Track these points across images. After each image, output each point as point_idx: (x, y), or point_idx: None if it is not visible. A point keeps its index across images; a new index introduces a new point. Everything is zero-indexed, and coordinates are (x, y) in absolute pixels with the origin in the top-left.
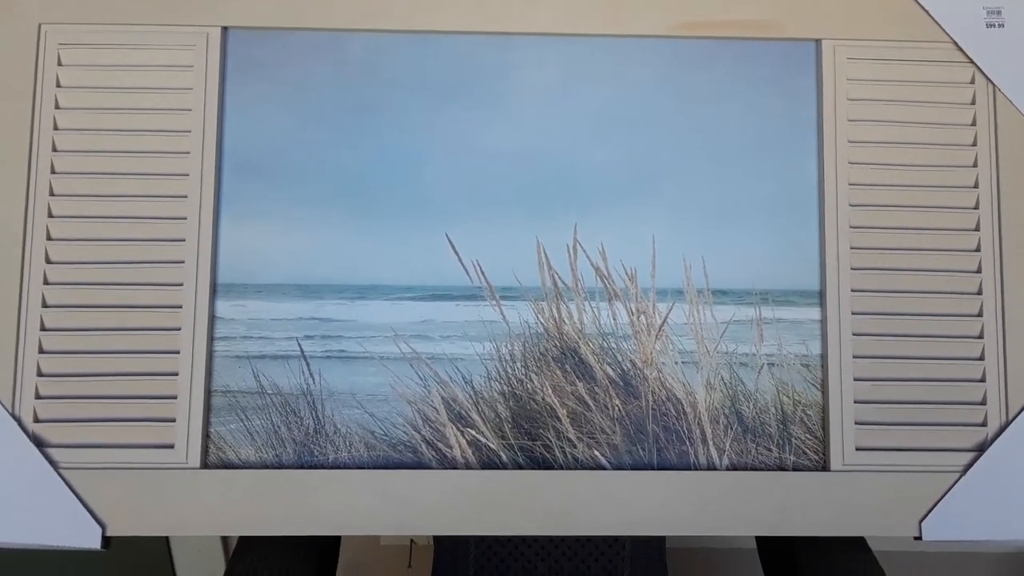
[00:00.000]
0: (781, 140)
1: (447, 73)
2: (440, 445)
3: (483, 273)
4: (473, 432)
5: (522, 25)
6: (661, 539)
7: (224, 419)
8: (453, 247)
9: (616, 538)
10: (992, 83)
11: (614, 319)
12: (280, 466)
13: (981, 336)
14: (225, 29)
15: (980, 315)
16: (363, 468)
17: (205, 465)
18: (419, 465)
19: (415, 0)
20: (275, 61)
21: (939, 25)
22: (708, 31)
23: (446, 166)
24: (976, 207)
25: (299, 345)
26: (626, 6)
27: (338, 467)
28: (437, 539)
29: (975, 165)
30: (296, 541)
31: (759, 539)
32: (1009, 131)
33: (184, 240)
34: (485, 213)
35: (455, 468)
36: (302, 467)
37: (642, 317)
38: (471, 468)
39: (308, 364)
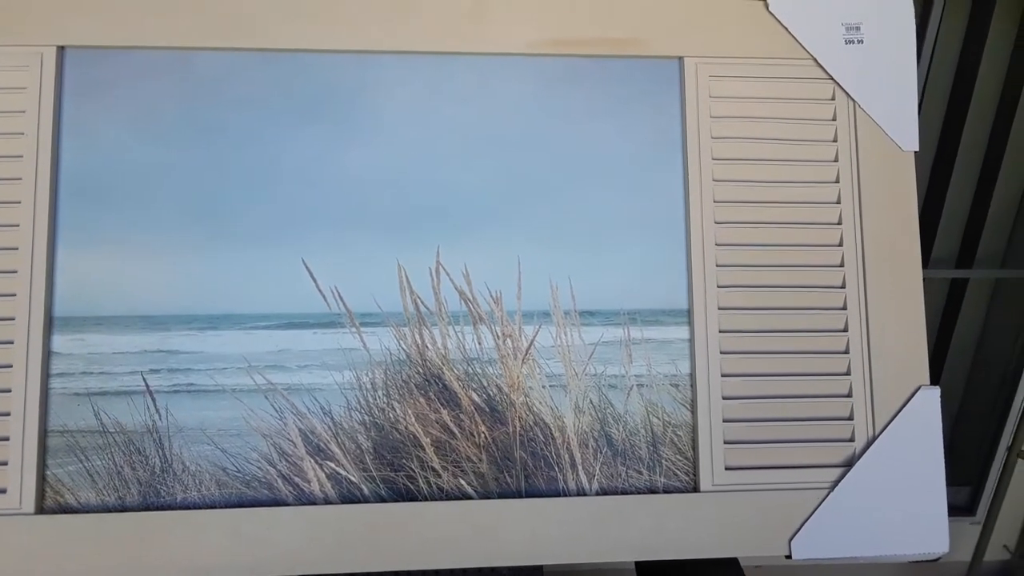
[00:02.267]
0: (648, 158)
1: (303, 92)
2: (297, 480)
3: (342, 299)
4: (332, 465)
5: (382, 43)
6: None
7: (62, 460)
8: (310, 272)
9: (492, 567)
10: (852, 99)
11: (479, 343)
12: (123, 509)
13: (847, 351)
14: (61, 48)
15: (845, 330)
16: (214, 507)
17: (41, 510)
18: (275, 502)
19: (268, 17)
20: (117, 81)
21: (799, 43)
22: (573, 49)
23: (302, 188)
24: (839, 223)
25: (144, 379)
26: (490, 24)
27: (187, 507)
28: None
29: (837, 181)
30: None
31: (638, 561)
32: (869, 146)
33: (16, 271)
34: (344, 236)
35: (313, 503)
36: (148, 509)
37: (508, 341)
38: (331, 503)
39: (154, 399)
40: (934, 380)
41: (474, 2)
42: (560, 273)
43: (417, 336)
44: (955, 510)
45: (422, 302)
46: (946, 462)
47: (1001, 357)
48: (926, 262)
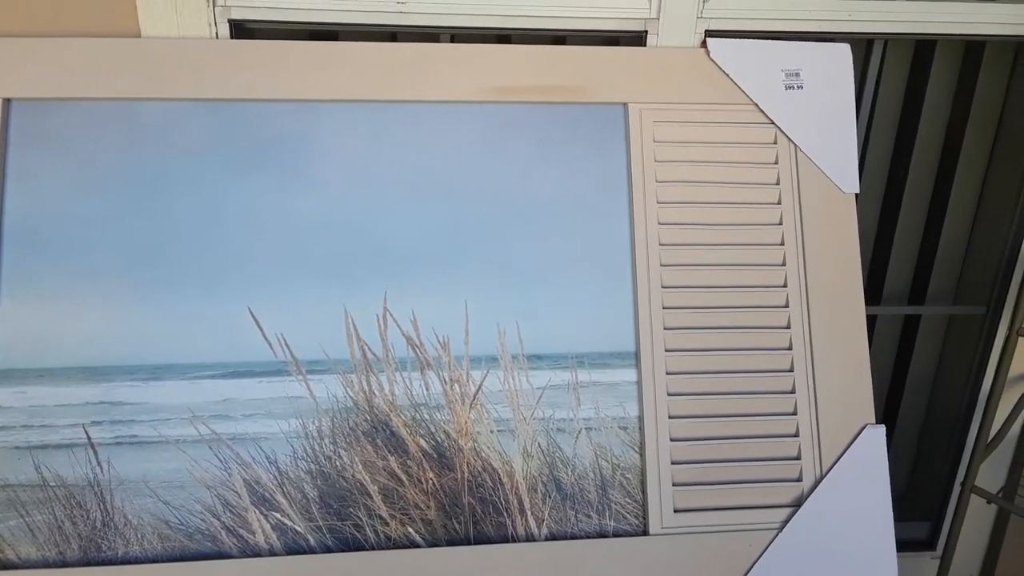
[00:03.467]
0: (594, 202)
1: (247, 140)
2: (242, 531)
3: (288, 347)
4: (278, 515)
5: (325, 92)
6: None
7: (2, 515)
8: (256, 320)
9: None
10: (793, 142)
11: (427, 389)
12: (64, 564)
13: (793, 391)
14: (7, 101)
15: (791, 370)
16: (157, 562)
17: None
18: (218, 555)
19: (211, 67)
20: (62, 132)
21: (740, 88)
22: (517, 96)
23: (247, 235)
24: (783, 264)
25: (86, 432)
26: (433, 72)
27: (129, 562)
28: None
29: (780, 223)
30: None
31: None
32: (811, 189)
33: None
34: (290, 284)
35: (258, 555)
36: (88, 564)
37: (456, 386)
38: (276, 554)
39: (96, 452)
40: (891, 417)
41: (416, 51)
42: (507, 318)
43: (364, 383)
44: (916, 545)
45: (369, 349)
46: (906, 498)
47: (956, 393)
48: (878, 299)
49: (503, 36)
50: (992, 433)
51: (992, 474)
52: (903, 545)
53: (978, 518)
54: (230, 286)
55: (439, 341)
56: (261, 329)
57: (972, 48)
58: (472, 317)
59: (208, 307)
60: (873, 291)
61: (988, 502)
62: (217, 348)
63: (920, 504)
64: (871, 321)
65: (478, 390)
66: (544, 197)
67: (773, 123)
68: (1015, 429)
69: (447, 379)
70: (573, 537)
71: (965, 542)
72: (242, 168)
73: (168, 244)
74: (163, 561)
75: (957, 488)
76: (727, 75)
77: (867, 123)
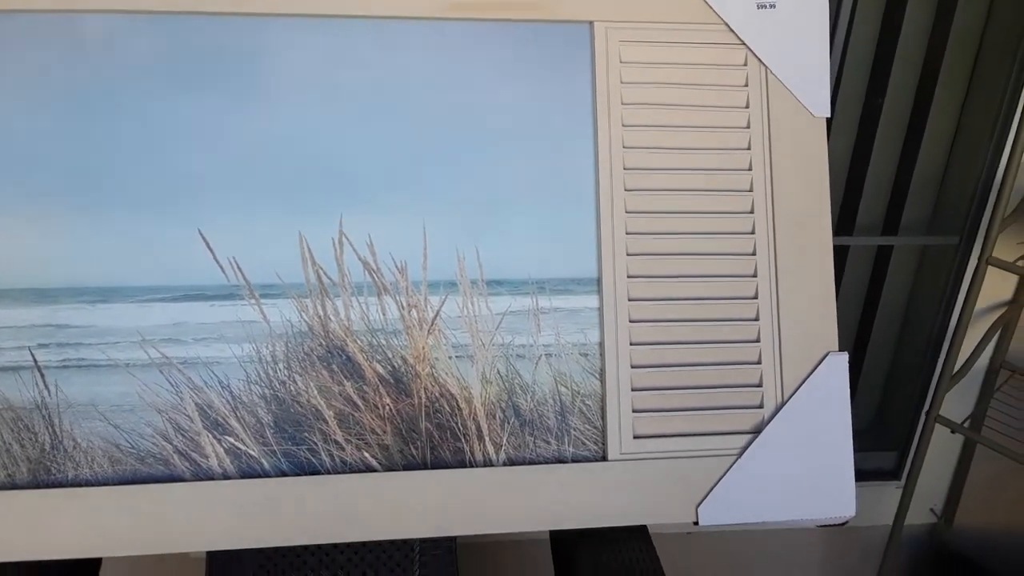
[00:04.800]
0: (557, 125)
1: (196, 56)
2: (195, 455)
3: (240, 270)
4: (231, 439)
5: (277, 6)
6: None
7: None
8: (207, 243)
9: (404, 540)
10: (764, 64)
11: (384, 315)
12: (14, 487)
13: (757, 318)
14: None
15: (755, 297)
16: (108, 484)
17: None
18: (171, 478)
19: None
20: (0, 46)
21: (711, 7)
22: (476, 12)
23: (198, 156)
24: (750, 190)
25: (32, 355)
26: None
27: (79, 485)
28: (210, 553)
29: (749, 148)
30: (45, 566)
31: (551, 532)
32: (781, 113)
33: None
34: (242, 206)
35: (211, 479)
36: (38, 487)
37: (413, 311)
38: (229, 478)
39: (43, 375)
40: (860, 350)
41: None
42: (467, 242)
43: (319, 308)
44: (882, 475)
45: (324, 273)
46: (874, 429)
47: (926, 325)
48: (851, 229)
49: None
50: (959, 364)
51: (962, 406)
52: (870, 475)
53: (944, 448)
54: (179, 208)
55: (396, 266)
56: (212, 252)
57: None
58: (430, 242)
59: (157, 229)
60: (845, 221)
61: (952, 431)
62: (167, 271)
63: (888, 435)
64: (843, 252)
65: (436, 316)
66: (505, 119)
67: (744, 44)
68: (983, 361)
69: (404, 304)
70: (531, 463)
71: (930, 472)
72: (190, 86)
73: (114, 164)
74: (114, 484)
75: (923, 419)
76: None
77: (842, 48)
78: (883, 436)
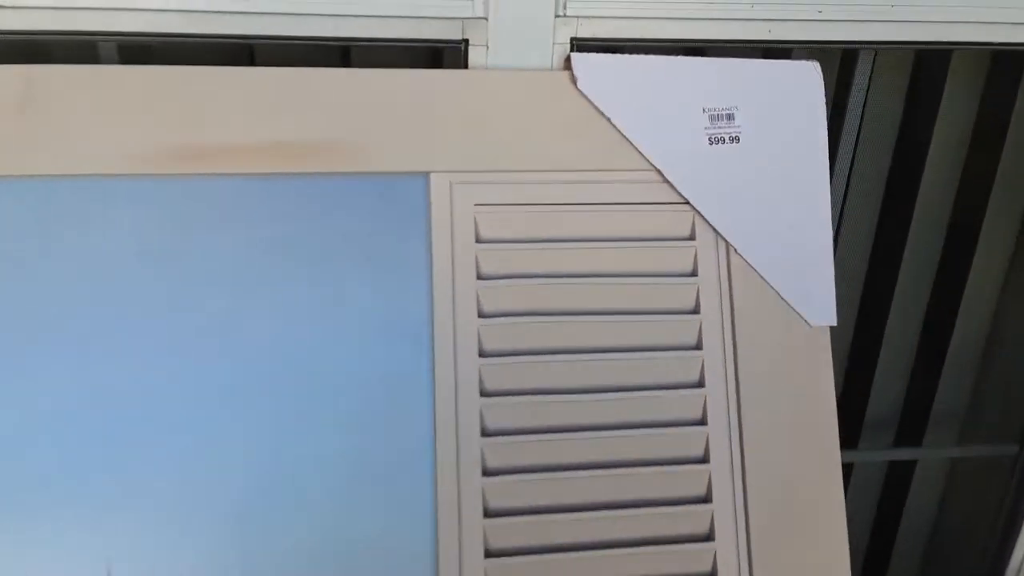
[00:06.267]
0: (374, 348)
1: None
2: None
3: None
4: None
5: None
6: None
7: None
8: None
9: None
10: (722, 237)
11: None
12: None
13: None
14: None
15: None
16: None
17: None
18: None
19: None
20: None
21: (629, 141)
22: (224, 164)
23: None
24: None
25: None
26: (56, 120)
27: None
28: None
29: (700, 384)
30: None
31: None
32: (753, 317)
33: None
34: None
35: None
36: None
37: None
38: None
39: None
40: None
41: (22, 78)
42: None
43: None
44: None
45: None
46: None
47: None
48: (855, 441)
49: (214, 47)
50: None
51: None
52: None
53: None
54: None
55: None
56: None
57: (997, 60)
58: None
59: None
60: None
61: None
62: None
63: None
64: (848, 470)
65: None
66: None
67: (688, 204)
68: None
69: None
70: None
71: None
72: None
73: None
74: None
75: None
76: (606, 118)
77: (846, 178)
78: None
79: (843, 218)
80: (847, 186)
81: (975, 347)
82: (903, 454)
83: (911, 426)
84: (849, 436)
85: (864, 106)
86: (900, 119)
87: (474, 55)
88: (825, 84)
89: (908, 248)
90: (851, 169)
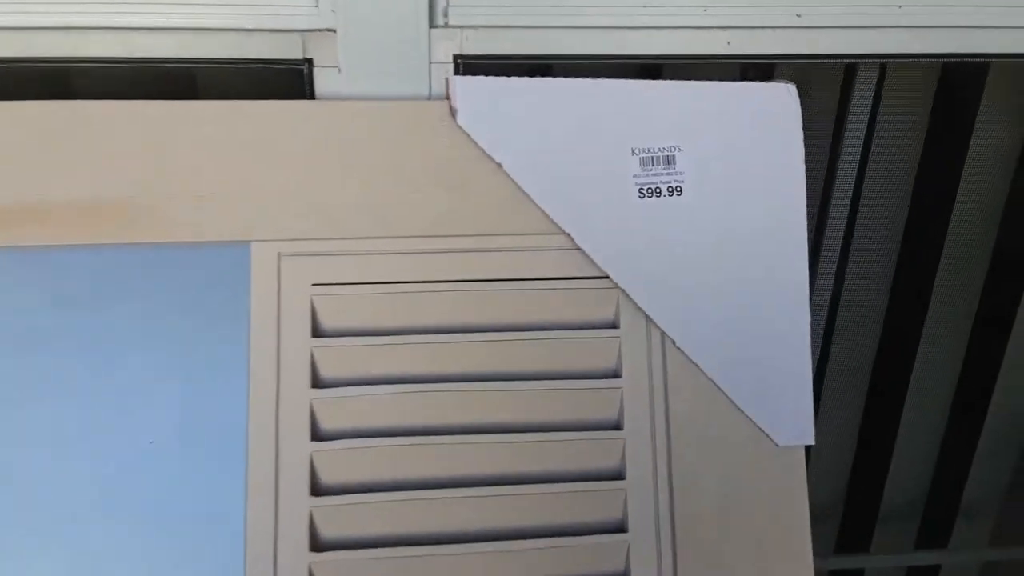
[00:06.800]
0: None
1: None
2: None
3: None
4: None
5: None
6: None
7: None
8: None
9: None
10: (657, 326)
11: None
12: None
13: None
14: None
15: None
16: None
17: None
18: None
19: None
20: None
21: (529, 197)
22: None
23: None
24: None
25: None
26: None
27: None
28: None
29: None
30: None
31: None
32: (696, 435)
33: None
34: None
35: None
36: None
37: None
38: None
39: None
40: None
41: None
42: None
43: None
44: None
45: None
46: None
47: None
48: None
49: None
50: None
51: None
52: None
53: None
54: None
55: None
56: None
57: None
58: None
59: None
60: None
61: None
62: None
63: None
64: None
65: None
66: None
67: (609, 279)
68: None
69: None
70: None
71: None
72: None
73: None
74: None
75: None
76: (495, 163)
77: (848, 221)
78: None
79: (844, 279)
80: (847, 241)
81: (1012, 428)
82: (926, 557)
83: (935, 523)
84: (859, 536)
85: (869, 138)
86: (919, 156)
87: (322, 80)
88: (815, 112)
89: (931, 312)
90: (852, 221)
